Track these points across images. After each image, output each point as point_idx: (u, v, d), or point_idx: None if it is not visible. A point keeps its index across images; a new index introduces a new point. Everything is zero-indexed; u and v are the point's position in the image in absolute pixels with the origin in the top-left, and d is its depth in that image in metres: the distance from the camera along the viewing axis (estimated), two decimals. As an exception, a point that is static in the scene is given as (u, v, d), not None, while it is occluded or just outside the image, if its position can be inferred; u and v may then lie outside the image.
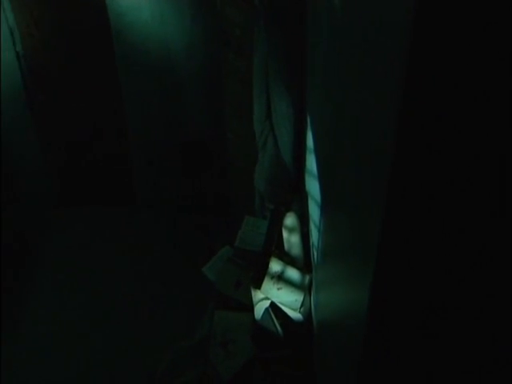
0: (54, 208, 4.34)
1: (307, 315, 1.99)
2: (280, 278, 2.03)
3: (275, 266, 2.05)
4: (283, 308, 1.99)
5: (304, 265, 2.10)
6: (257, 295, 2.07)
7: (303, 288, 1.99)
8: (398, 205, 0.95)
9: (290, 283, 2.01)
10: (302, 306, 1.97)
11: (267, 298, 2.03)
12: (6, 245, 3.77)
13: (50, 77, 3.92)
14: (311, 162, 2.27)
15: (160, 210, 4.13)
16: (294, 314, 1.97)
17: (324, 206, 1.86)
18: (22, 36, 3.83)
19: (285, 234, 2.17)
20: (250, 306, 2.12)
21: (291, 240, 2.14)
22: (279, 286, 2.01)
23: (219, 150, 3.46)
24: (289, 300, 1.99)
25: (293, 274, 2.02)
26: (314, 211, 2.10)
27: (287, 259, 2.08)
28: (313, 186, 2.20)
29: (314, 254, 2.00)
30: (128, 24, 3.61)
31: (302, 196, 2.58)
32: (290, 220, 2.20)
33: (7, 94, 3.81)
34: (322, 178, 1.91)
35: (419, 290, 1.02)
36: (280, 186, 2.69)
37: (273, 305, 1.99)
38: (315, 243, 2.01)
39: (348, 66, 1.29)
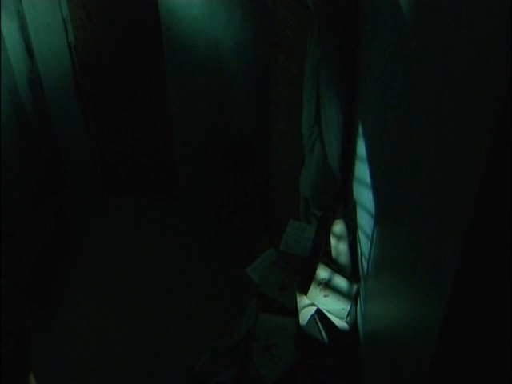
0: (99, 196, 4.44)
1: (352, 325, 1.98)
2: (327, 285, 2.03)
3: (323, 272, 2.05)
4: (329, 316, 1.99)
5: (351, 273, 2.09)
6: (302, 301, 2.07)
7: (350, 297, 1.99)
8: (484, 230, 0.93)
9: (337, 291, 2.00)
10: (348, 315, 1.97)
11: (313, 305, 2.04)
12: (52, 230, 3.86)
13: (99, 69, 3.99)
14: (362, 171, 2.26)
15: (202, 207, 4.16)
16: (340, 323, 1.97)
17: (378, 217, 1.85)
18: (75, 28, 3.91)
19: (333, 242, 2.16)
20: (293, 311, 2.13)
21: (339, 248, 2.13)
22: (326, 293, 2.01)
23: (264, 150, 3.47)
24: (335, 308, 1.98)
25: (340, 282, 2.01)
26: (364, 220, 2.09)
27: (335, 267, 2.08)
28: (363, 195, 2.19)
29: (363, 263, 1.99)
30: (178, 21, 3.64)
31: (348, 203, 2.57)
32: (338, 227, 2.19)
33: (58, 83, 3.90)
34: (378, 188, 1.90)
35: (497, 315, 1.01)
36: (325, 191, 2.69)
37: (319, 312, 1.99)
38: (365, 253, 2.00)
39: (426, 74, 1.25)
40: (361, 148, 2.34)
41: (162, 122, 4.05)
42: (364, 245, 2.02)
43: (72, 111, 4.00)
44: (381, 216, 1.81)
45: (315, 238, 2.29)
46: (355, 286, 2.01)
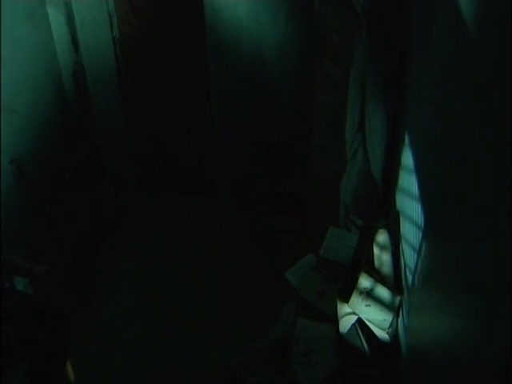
0: (136, 191, 4.49)
1: (394, 337, 1.97)
2: (369, 294, 2.02)
3: (365, 281, 2.04)
4: (370, 325, 1.98)
5: (394, 285, 2.08)
6: (343, 308, 2.07)
7: (392, 308, 1.98)
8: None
9: (379, 301, 1.99)
10: (390, 326, 1.96)
11: (354, 313, 2.03)
12: (89, 220, 3.92)
13: (141, 64, 4.04)
14: (408, 182, 2.24)
15: (239, 208, 4.18)
16: (381, 334, 1.96)
17: (427, 230, 1.83)
18: (120, 22, 3.96)
19: (376, 251, 2.15)
20: (333, 318, 2.13)
21: (382, 258, 2.12)
22: (368, 302, 2.01)
23: (304, 154, 3.47)
24: (377, 318, 1.98)
25: (383, 292, 2.00)
26: (410, 232, 2.07)
27: (377, 277, 2.07)
28: (408, 206, 2.17)
29: (407, 276, 1.98)
30: (223, 19, 3.66)
31: (390, 213, 2.55)
32: (382, 237, 2.18)
33: (101, 76, 3.97)
34: (428, 201, 1.88)
35: None
36: (366, 199, 2.67)
37: (360, 321, 1.99)
38: (409, 265, 1.98)
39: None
40: (407, 158, 2.32)
41: (203, 120, 4.08)
42: (409, 257, 2.00)
43: (113, 105, 4.06)
44: (430, 229, 1.79)
45: (357, 247, 2.29)
46: (398, 298, 1.99)
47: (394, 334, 1.98)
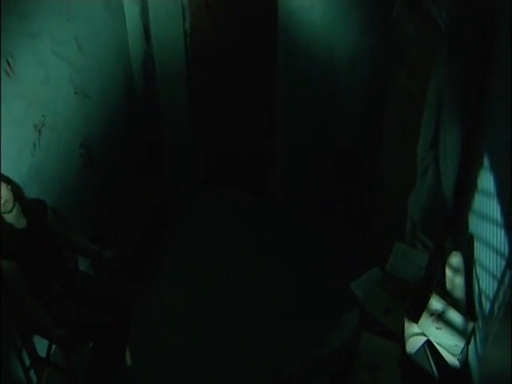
0: (197, 184, 4.55)
1: (463, 364, 1.93)
2: (440, 317, 1.98)
3: (436, 303, 2.00)
4: (440, 349, 1.95)
5: (466, 310, 2.04)
6: (411, 328, 2.04)
7: (465, 334, 1.93)
8: None
9: (450, 325, 1.95)
10: (461, 352, 1.92)
11: (423, 334, 2.00)
12: (150, 210, 3.99)
13: (211, 60, 4.08)
14: (485, 205, 2.18)
15: (298, 211, 4.17)
16: (451, 359, 1.92)
17: (512, 259, 1.78)
18: (192, 16, 4.02)
19: (448, 274, 2.11)
20: (398, 336, 2.10)
21: (455, 281, 2.07)
22: (438, 325, 1.97)
23: (370, 164, 3.44)
24: (448, 343, 1.94)
25: (455, 317, 1.96)
26: (488, 258, 2.02)
27: (449, 300, 2.03)
28: (485, 230, 2.11)
29: (484, 302, 1.93)
30: (296, 23, 3.66)
31: (459, 234, 2.49)
32: (455, 259, 2.13)
33: (170, 68, 4.03)
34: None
35: None
36: (435, 218, 2.62)
37: (429, 343, 1.95)
38: (486, 292, 1.93)
39: None
40: (484, 180, 2.26)
41: (268, 120, 4.09)
42: (486, 283, 1.95)
43: (180, 98, 4.12)
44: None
45: (428, 266, 2.25)
46: (471, 324, 1.95)
47: (464, 361, 1.94)
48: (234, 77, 4.05)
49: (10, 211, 2.43)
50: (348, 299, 3.04)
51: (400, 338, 2.09)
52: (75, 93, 3.39)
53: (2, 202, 2.37)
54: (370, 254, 3.16)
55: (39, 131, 3.01)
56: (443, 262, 2.19)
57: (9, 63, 2.77)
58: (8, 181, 2.48)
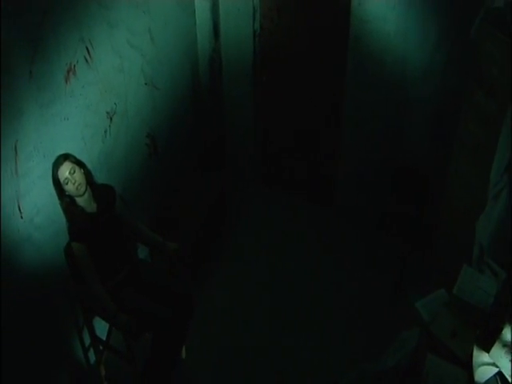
0: (255, 184, 4.58)
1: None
2: (513, 349, 1.92)
3: (509, 335, 1.94)
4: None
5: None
6: (481, 356, 1.98)
7: (539, 370, 1.87)
8: None
9: (524, 359, 1.89)
10: (534, 388, 1.85)
11: (494, 365, 1.94)
12: (209, 204, 4.03)
13: (278, 62, 4.07)
14: None
15: (354, 225, 4.13)
16: (523, 393, 1.86)
17: None
18: (262, 17, 4.03)
19: (524, 304, 2.04)
20: (464, 362, 2.05)
21: (530, 313, 2.00)
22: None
23: (435, 184, 3.37)
24: (521, 377, 1.88)
25: (530, 350, 1.89)
26: None
27: (523, 332, 1.96)
28: None
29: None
30: (368, 32, 3.61)
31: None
32: (532, 291, 2.06)
33: (237, 67, 4.05)
34: None
35: None
36: (506, 244, 2.55)
37: (501, 374, 1.89)
38: None
39: None
40: None
41: (331, 127, 4.06)
42: None
43: (244, 97, 4.13)
44: None
45: (499, 294, 2.18)
46: (546, 360, 1.88)
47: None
48: (300, 81, 4.03)
49: (82, 195, 2.48)
50: (405, 316, 2.99)
51: (465, 365, 2.04)
52: (145, 84, 3.44)
53: (76, 185, 2.42)
54: (430, 274, 3.10)
55: (111, 118, 3.07)
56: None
57: (88, 50, 2.83)
58: (81, 165, 2.53)
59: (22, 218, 2.36)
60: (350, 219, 4.17)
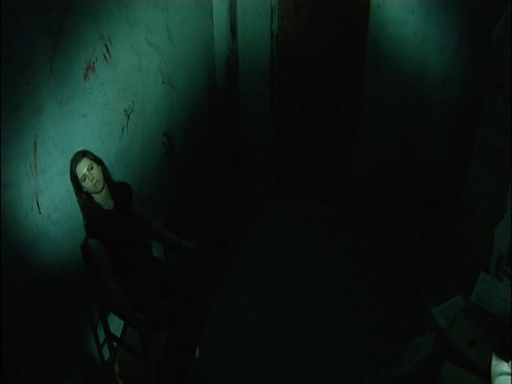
0: (269, 185, 4.58)
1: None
2: (533, 359, 1.89)
3: (529, 344, 1.91)
4: (530, 392, 1.86)
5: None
6: (500, 366, 1.95)
7: (559, 381, 1.84)
8: None
9: (544, 369, 1.86)
10: (554, 399, 1.82)
11: (512, 374, 1.91)
12: (224, 204, 4.02)
13: (295, 64, 4.05)
14: None
15: (370, 228, 4.11)
16: (543, 404, 1.83)
17: None
18: (280, 18, 4.02)
19: (543, 314, 2.01)
20: (481, 370, 2.02)
21: (551, 323, 1.98)
22: (531, 367, 1.88)
23: (452, 189, 3.34)
24: (541, 387, 1.85)
25: (550, 361, 1.87)
26: None
27: (544, 342, 1.93)
28: None
29: None
30: (387, 35, 3.58)
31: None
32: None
33: (254, 68, 4.04)
34: None
35: None
36: (525, 253, 2.52)
37: (519, 384, 1.87)
38: None
39: None
40: None
41: (347, 131, 4.03)
42: None
43: (260, 98, 4.12)
44: None
45: (519, 303, 2.15)
46: None
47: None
48: (317, 83, 4.02)
49: (100, 192, 2.48)
50: (419, 322, 2.96)
51: (483, 374, 2.01)
52: (163, 82, 3.45)
53: (94, 181, 2.42)
54: (445, 280, 3.07)
55: (128, 116, 3.08)
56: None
57: (107, 48, 2.84)
58: (99, 162, 2.53)
59: (40, 213, 2.37)
60: (365, 223, 4.15)
